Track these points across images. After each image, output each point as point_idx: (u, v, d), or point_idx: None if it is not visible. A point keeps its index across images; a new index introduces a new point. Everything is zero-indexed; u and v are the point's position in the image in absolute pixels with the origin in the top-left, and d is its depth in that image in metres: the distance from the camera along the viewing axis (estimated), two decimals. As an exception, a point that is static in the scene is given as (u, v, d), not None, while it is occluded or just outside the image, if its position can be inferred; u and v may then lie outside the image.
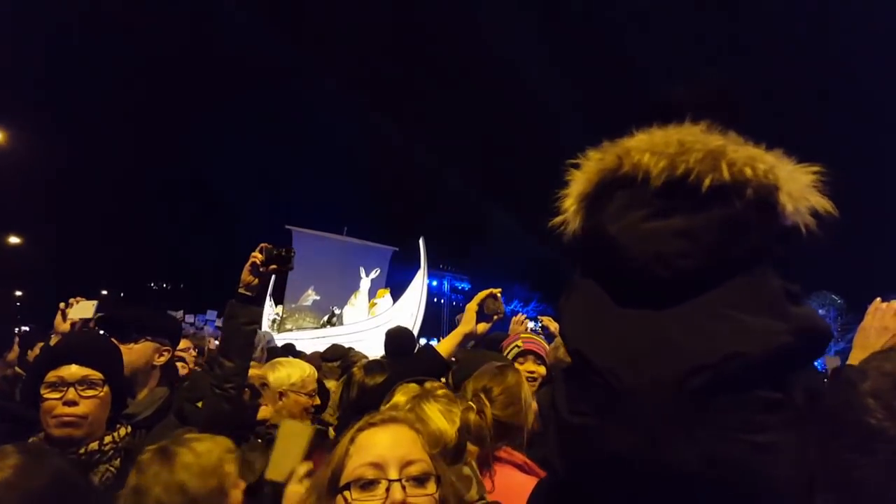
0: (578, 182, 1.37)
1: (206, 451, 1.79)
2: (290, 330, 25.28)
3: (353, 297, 24.80)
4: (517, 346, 3.54)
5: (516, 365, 3.27)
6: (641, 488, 1.13)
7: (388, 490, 1.37)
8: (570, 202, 1.37)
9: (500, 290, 2.90)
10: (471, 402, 2.16)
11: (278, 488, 1.82)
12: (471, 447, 2.03)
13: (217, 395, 2.40)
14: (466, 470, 1.84)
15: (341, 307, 25.23)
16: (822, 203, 1.23)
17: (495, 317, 2.83)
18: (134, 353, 2.52)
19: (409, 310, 21.88)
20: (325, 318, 25.86)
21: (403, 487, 1.36)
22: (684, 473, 1.08)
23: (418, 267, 22.83)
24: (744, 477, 1.07)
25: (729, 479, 1.07)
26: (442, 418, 1.83)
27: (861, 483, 0.64)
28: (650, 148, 1.27)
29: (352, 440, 1.48)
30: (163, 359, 2.61)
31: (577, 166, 1.39)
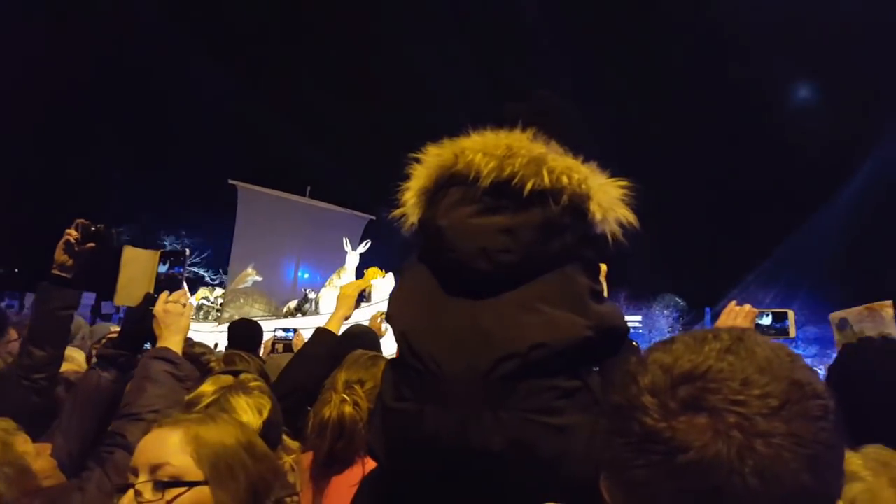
0: (419, 176, 1.42)
1: None
2: (234, 318, 19.62)
3: (334, 276, 19.29)
4: None
5: None
6: (454, 469, 1.19)
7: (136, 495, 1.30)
8: (410, 195, 1.43)
9: (369, 283, 3.02)
10: (345, 395, 2.14)
11: None
12: (290, 443, 2.00)
13: (25, 387, 2.19)
14: None
15: (316, 290, 20.01)
16: (627, 215, 1.32)
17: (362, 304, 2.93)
18: None
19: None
20: (294, 303, 20.35)
21: (138, 493, 1.29)
22: (490, 453, 1.16)
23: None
24: (541, 456, 1.16)
25: (529, 457, 1.15)
26: (248, 410, 1.76)
27: (633, 481, 0.66)
28: (483, 149, 1.32)
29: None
30: None
31: (418, 160, 1.44)
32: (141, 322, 2.21)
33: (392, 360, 1.40)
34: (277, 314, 19.66)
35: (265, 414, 1.77)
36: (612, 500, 0.72)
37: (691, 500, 0.63)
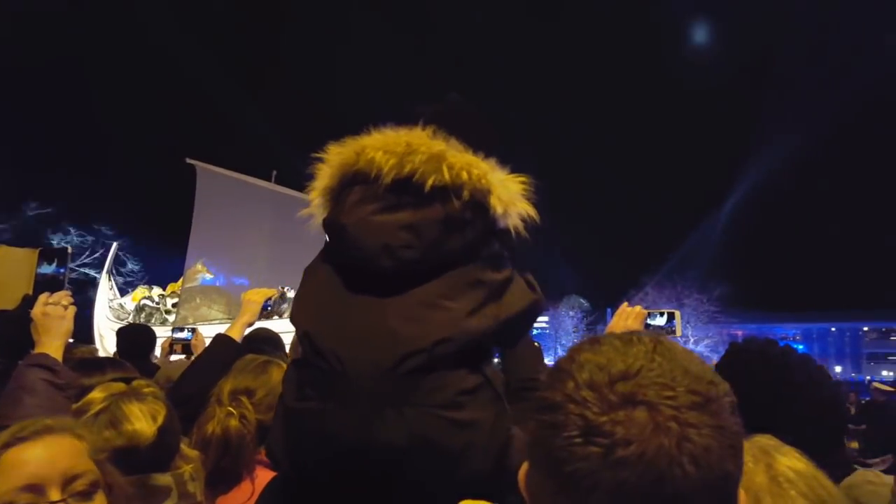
0: (323, 176, 1.39)
1: None
2: (189, 322, 15.98)
3: (314, 272, 17.02)
4: None
5: None
6: (358, 466, 1.19)
7: None
8: (315, 195, 1.41)
9: (275, 290, 3.15)
10: (230, 408, 2.02)
11: None
12: (189, 452, 1.87)
13: None
14: (164, 479, 1.68)
15: (294, 287, 17.52)
16: (528, 209, 1.33)
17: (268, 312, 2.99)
18: None
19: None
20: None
21: None
22: (394, 450, 1.16)
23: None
24: (445, 451, 1.17)
25: (432, 453, 1.16)
26: (141, 417, 1.67)
27: (573, 475, 0.67)
28: (383, 147, 1.30)
29: None
30: None
31: (321, 160, 1.42)
32: (19, 326, 2.04)
33: (294, 361, 1.38)
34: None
35: (160, 420, 1.69)
36: (537, 494, 0.74)
37: (632, 490, 0.65)
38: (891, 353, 58.30)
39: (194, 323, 15.83)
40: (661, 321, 2.31)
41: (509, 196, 1.32)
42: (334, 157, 1.40)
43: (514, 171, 1.38)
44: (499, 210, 1.30)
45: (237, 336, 2.73)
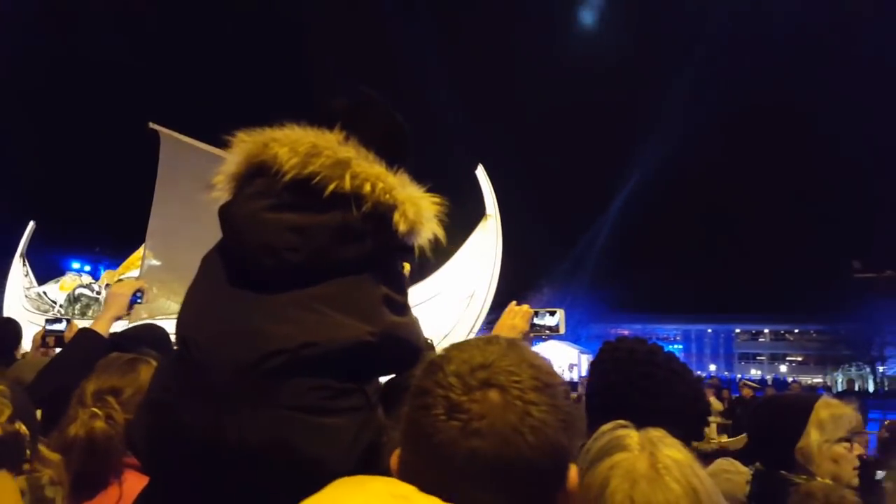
0: (231, 162, 1.34)
1: None
2: (143, 317, 12.47)
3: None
4: None
5: None
6: (210, 463, 1.14)
7: None
8: (221, 179, 1.34)
9: (144, 282, 2.94)
10: (95, 409, 1.90)
11: None
12: (49, 455, 1.78)
13: None
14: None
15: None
16: (436, 229, 1.30)
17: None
18: None
19: (466, 284, 13.11)
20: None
21: None
22: (246, 449, 1.12)
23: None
24: (300, 454, 1.13)
25: (286, 455, 1.13)
26: None
27: (440, 444, 0.81)
28: (289, 143, 1.26)
29: None
30: None
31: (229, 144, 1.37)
32: None
33: (169, 353, 1.34)
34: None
35: (1, 419, 1.61)
36: (405, 470, 0.88)
37: (483, 456, 0.81)
38: (759, 353, 63.79)
39: (151, 317, 13.49)
40: (547, 319, 2.38)
41: (417, 215, 1.28)
42: (242, 145, 1.35)
43: (420, 181, 1.35)
44: (402, 228, 1.26)
45: (104, 331, 2.54)
